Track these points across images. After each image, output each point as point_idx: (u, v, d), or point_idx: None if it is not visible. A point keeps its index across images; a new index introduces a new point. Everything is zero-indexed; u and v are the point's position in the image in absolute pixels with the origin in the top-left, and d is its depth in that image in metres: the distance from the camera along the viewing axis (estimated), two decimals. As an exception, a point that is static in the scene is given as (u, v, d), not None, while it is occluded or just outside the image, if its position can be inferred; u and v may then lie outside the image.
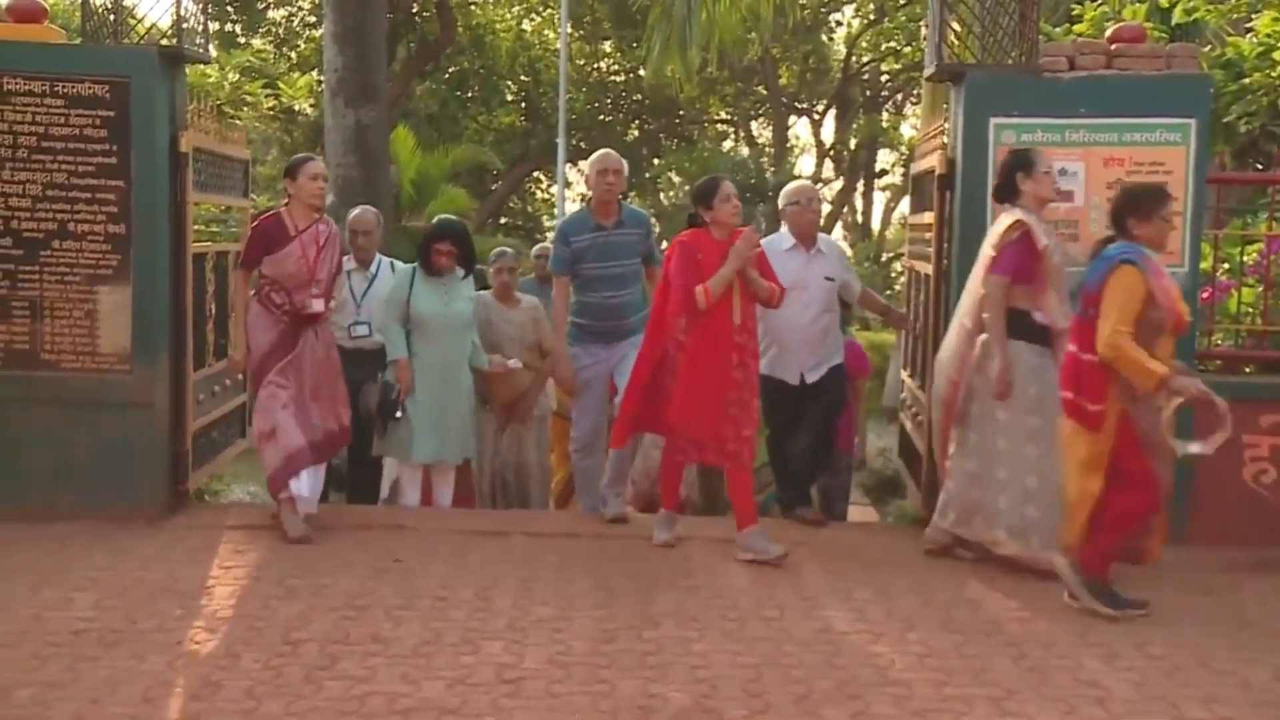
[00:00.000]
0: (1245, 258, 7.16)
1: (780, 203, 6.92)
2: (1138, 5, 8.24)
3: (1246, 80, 7.75)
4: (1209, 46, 8.46)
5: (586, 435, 6.87)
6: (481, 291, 7.27)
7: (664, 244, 10.03)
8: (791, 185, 7.12)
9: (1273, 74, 7.65)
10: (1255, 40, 8.01)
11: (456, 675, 4.39)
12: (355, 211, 7.72)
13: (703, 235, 6.02)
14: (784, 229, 6.88)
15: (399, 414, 6.67)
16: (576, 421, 6.89)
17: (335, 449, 6.53)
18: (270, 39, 25.25)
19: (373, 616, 4.98)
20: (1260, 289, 6.92)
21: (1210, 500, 6.15)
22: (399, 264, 7.37)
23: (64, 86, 6.28)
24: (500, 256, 7.50)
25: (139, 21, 6.63)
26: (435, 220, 7.09)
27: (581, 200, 26.62)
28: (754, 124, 32.25)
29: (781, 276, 6.17)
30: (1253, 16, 8.82)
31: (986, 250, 5.78)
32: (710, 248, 5.93)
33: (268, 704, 4.12)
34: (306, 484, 6.25)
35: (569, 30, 24.24)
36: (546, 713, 4.09)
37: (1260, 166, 8.31)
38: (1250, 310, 6.98)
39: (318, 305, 6.17)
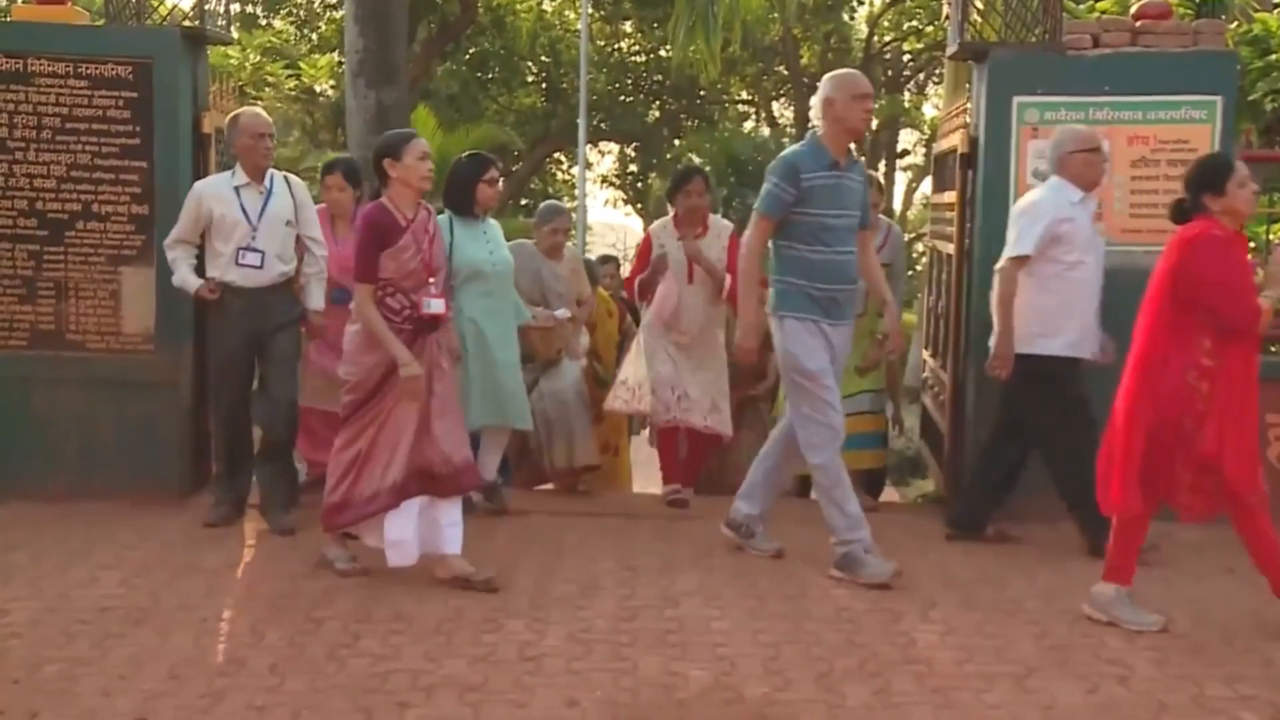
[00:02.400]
0: (1271, 236, 7.11)
1: (1058, 150, 5.71)
2: (1163, -18, 8.16)
3: (1273, 57, 7.68)
4: (1235, 23, 8.37)
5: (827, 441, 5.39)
6: (523, 241, 6.95)
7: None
8: (1074, 129, 5.84)
9: (1299, 50, 7.58)
10: (1282, 16, 7.93)
11: (478, 653, 4.42)
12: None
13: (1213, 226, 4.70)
14: (1059, 180, 5.72)
15: None
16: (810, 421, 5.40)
17: (459, 486, 5.21)
18: (291, 20, 25.26)
19: (395, 594, 5.01)
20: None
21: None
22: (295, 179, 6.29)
23: (87, 68, 6.31)
24: (556, 214, 6.98)
25: (161, 3, 6.64)
26: (466, 154, 6.40)
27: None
28: (775, 104, 32.09)
29: (1081, 237, 5.62)
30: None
31: None
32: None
33: (291, 681, 4.16)
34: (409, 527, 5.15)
35: (590, 11, 24.16)
36: (568, 690, 4.11)
37: (1286, 144, 8.24)
38: (1275, 289, 6.92)
39: (439, 305, 5.16)
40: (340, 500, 5.15)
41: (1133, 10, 6.64)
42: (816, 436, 5.34)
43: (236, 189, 5.83)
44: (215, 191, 5.83)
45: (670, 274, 6.60)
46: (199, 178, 6.51)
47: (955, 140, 6.74)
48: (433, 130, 17.79)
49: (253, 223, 5.81)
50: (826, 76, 5.54)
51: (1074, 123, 6.19)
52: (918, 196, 31.70)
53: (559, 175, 29.85)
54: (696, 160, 25.00)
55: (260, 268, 5.81)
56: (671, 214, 6.77)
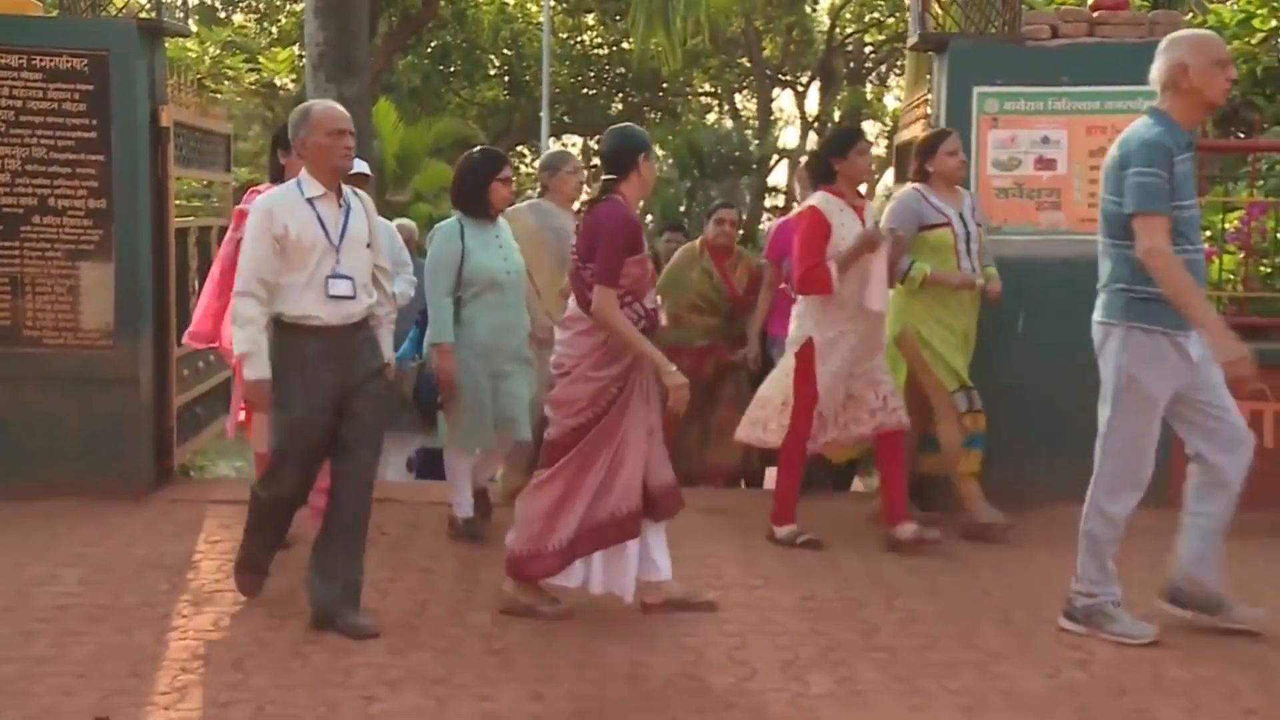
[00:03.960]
0: (1227, 225, 7.19)
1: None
2: (1120, -27, 8.23)
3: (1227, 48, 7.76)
4: (1190, 14, 8.46)
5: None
6: (534, 201, 6.31)
7: (649, 218, 9.99)
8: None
9: (1252, 42, 7.66)
10: (1235, 8, 8.02)
11: (443, 646, 4.41)
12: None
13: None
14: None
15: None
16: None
17: (672, 509, 4.77)
18: (251, 13, 25.08)
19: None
20: (1241, 255, 6.95)
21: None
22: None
23: (41, 60, 6.23)
24: (569, 157, 6.41)
25: (117, -6, 6.58)
26: (477, 150, 5.94)
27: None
28: (738, 96, 32.16)
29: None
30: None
31: None
32: None
33: (255, 677, 4.13)
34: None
35: (552, 3, 24.11)
36: (533, 683, 4.11)
37: (1241, 135, 8.33)
38: (1232, 277, 7.00)
39: (663, 315, 4.82)
40: (542, 551, 4.61)
41: (1090, 1, 6.69)
42: (1123, 481, 4.56)
43: (311, 201, 4.53)
44: (287, 205, 4.50)
45: (881, 254, 5.55)
46: (157, 172, 6.46)
47: (917, 131, 6.77)
48: (395, 123, 17.75)
49: (334, 243, 4.53)
50: (1174, 36, 4.59)
51: (1033, 113, 6.25)
52: (880, 187, 31.85)
53: (522, 169, 29.77)
54: (660, 152, 25.08)
55: (353, 297, 4.56)
56: (807, 183, 6.03)
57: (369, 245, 4.63)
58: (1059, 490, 6.09)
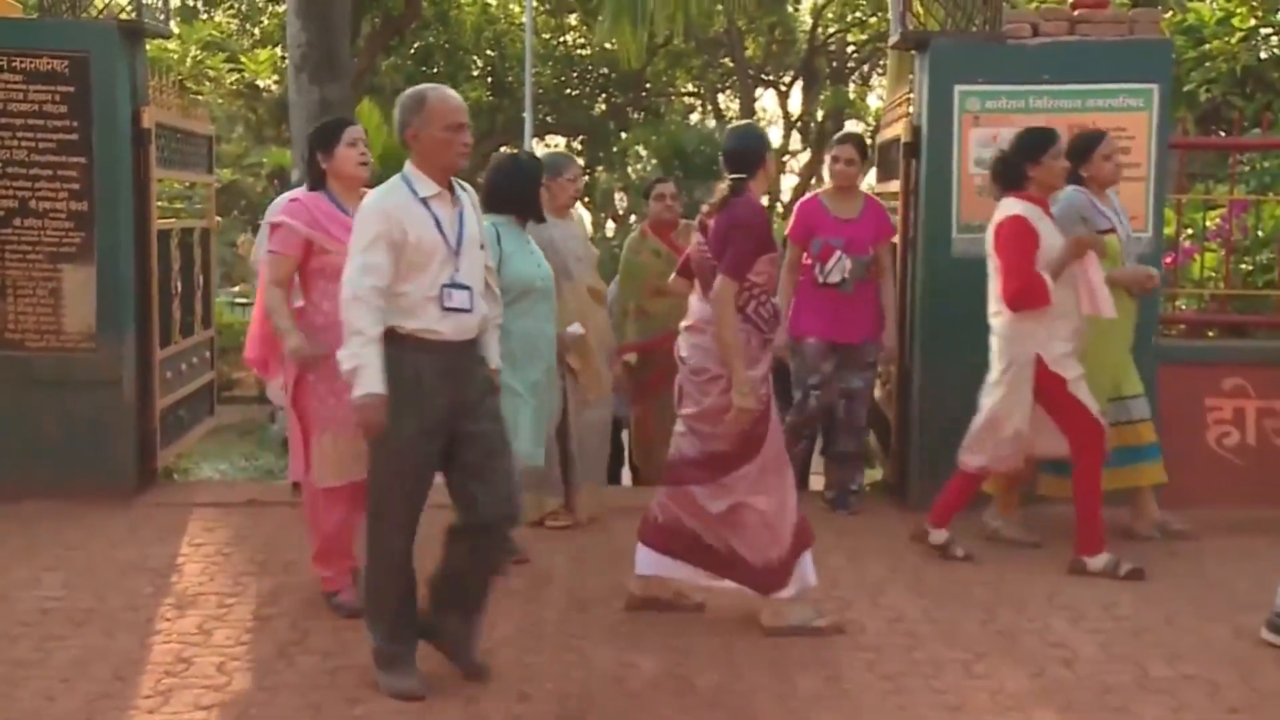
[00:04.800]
0: (1208, 223, 7.23)
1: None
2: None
3: (1207, 46, 7.80)
4: (1170, 13, 8.50)
5: None
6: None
7: (633, 219, 10.00)
8: None
9: (1232, 41, 7.69)
10: (1215, 7, 8.06)
11: (428, 649, 4.39)
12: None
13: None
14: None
15: None
16: None
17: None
18: (233, 14, 24.98)
19: (344, 591, 4.97)
20: (1222, 253, 6.99)
21: (1175, 463, 6.20)
22: None
23: (21, 61, 6.20)
24: (570, 162, 6.16)
25: (98, -5, 6.54)
26: (523, 153, 5.62)
27: None
28: (721, 96, 32.15)
29: None
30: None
31: None
32: None
33: (239, 680, 4.12)
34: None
35: (534, 4, 24.09)
36: (519, 682, 4.11)
37: (1222, 133, 8.37)
38: (1213, 275, 7.05)
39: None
40: (784, 558, 4.55)
41: (1071, 0, 6.72)
42: None
43: (425, 201, 4.02)
44: (403, 206, 3.98)
45: (1092, 258, 5.27)
46: (139, 174, 6.43)
47: (899, 130, 6.78)
48: (378, 125, 17.66)
49: (454, 247, 4.02)
50: None
51: (1014, 111, 6.27)
52: (863, 186, 31.89)
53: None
54: (642, 152, 25.07)
55: (470, 310, 4.06)
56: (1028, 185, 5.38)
57: (481, 246, 4.21)
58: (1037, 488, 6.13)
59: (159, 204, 6.75)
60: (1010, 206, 5.27)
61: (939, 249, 6.27)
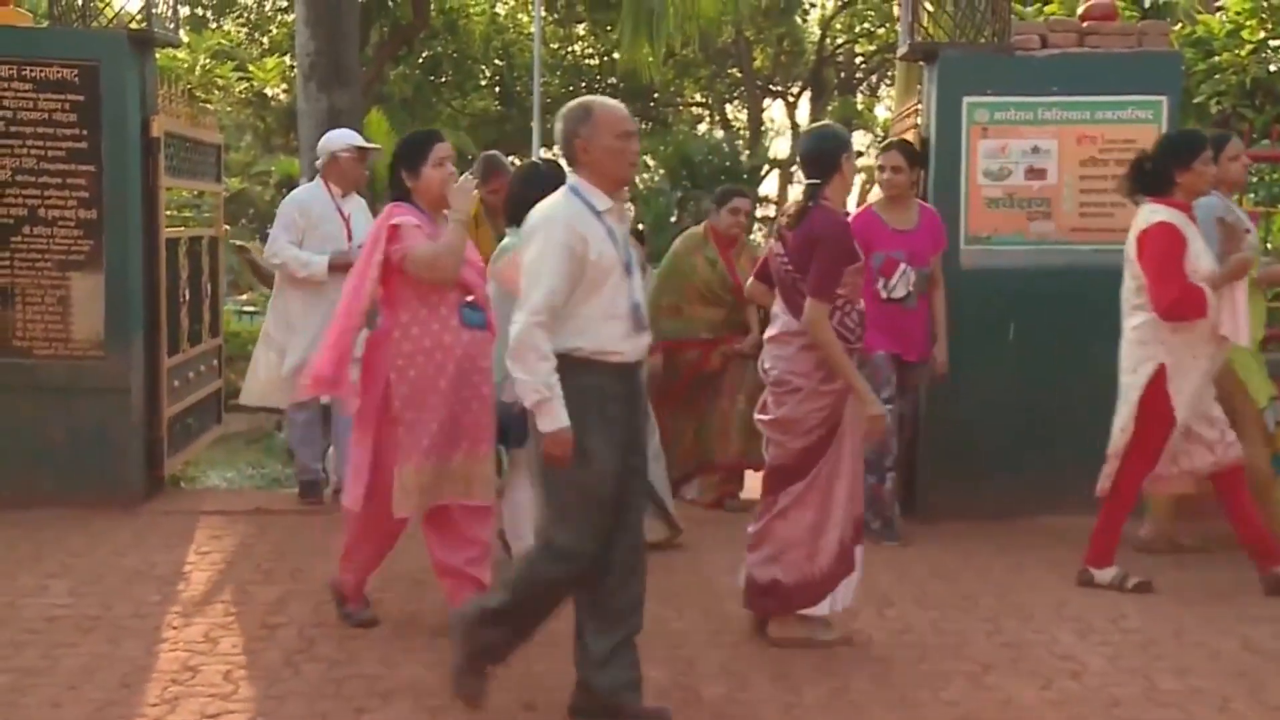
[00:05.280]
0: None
1: None
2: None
3: (1216, 59, 7.78)
4: (1179, 25, 8.48)
5: None
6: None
7: (639, 227, 10.01)
8: None
9: (1242, 53, 7.67)
10: (1225, 19, 8.04)
11: (435, 657, 4.39)
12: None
13: None
14: None
15: None
16: None
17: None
18: (242, 23, 25.08)
19: (351, 600, 4.97)
20: (1232, 265, 6.96)
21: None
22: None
23: (32, 70, 6.23)
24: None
25: (107, 4, 6.56)
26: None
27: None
28: (729, 107, 32.22)
29: None
30: (1224, -5, 8.86)
31: None
32: None
33: (245, 688, 4.12)
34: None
35: (543, 14, 24.15)
36: (526, 692, 4.10)
37: (1231, 144, 8.34)
38: (1222, 287, 7.01)
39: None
40: (820, 576, 4.47)
41: (1079, 12, 6.72)
42: None
43: (600, 215, 3.75)
44: (584, 219, 3.70)
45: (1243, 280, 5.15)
46: (147, 182, 6.45)
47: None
48: (386, 134, 17.71)
49: (628, 263, 3.81)
50: None
51: (1023, 123, 6.27)
52: (871, 196, 31.91)
53: (513, 179, 29.77)
54: (650, 162, 25.11)
55: (646, 328, 3.88)
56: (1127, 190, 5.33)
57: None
58: (1046, 500, 6.14)
59: (168, 212, 6.77)
60: (1155, 213, 5.05)
61: (947, 260, 6.26)
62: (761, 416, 4.62)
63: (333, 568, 5.27)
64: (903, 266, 5.88)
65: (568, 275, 3.62)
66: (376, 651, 4.43)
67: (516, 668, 4.29)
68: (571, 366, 3.64)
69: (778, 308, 4.56)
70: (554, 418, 3.58)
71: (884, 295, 5.86)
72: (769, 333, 4.61)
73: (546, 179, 5.07)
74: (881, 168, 6.15)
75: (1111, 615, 4.91)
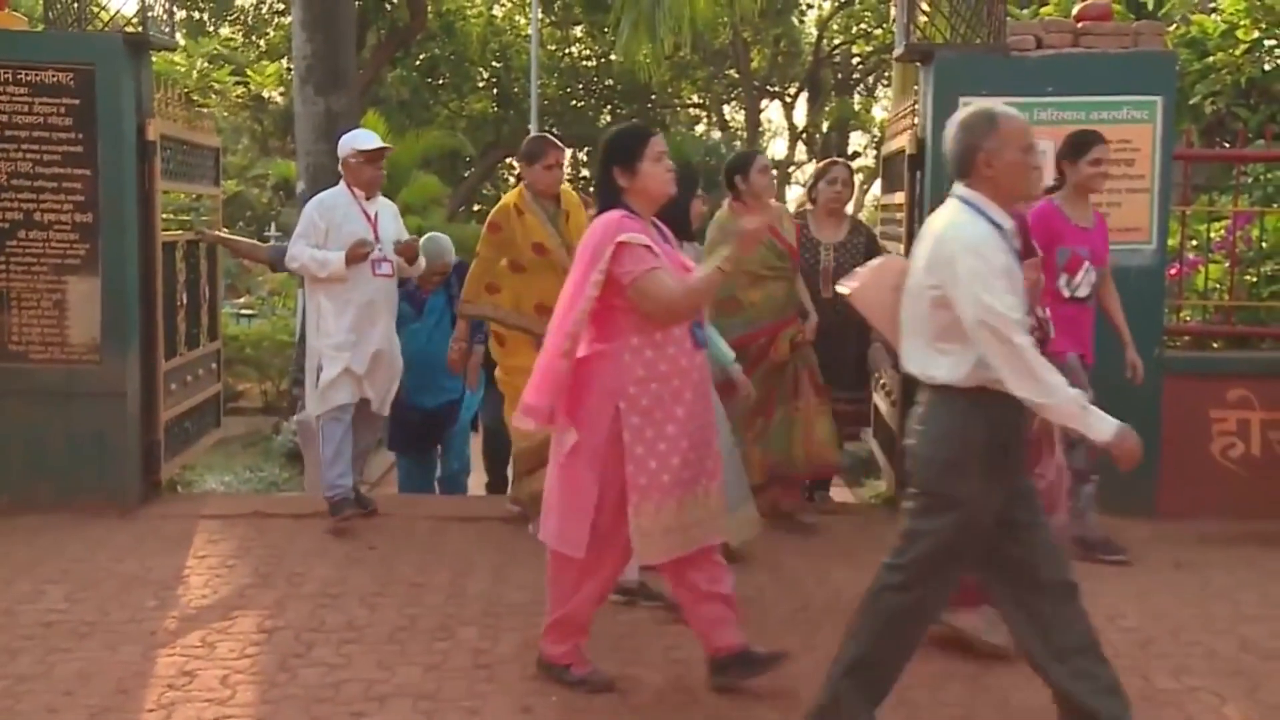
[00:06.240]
0: (1212, 234, 7.22)
1: None
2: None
3: (1211, 59, 7.80)
4: (1173, 25, 8.50)
5: None
6: None
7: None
8: None
9: (1236, 53, 7.69)
10: (1219, 19, 8.05)
11: (432, 661, 4.40)
12: None
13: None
14: None
15: None
16: None
17: None
18: (238, 26, 25.10)
19: (347, 604, 4.97)
20: (1227, 265, 6.98)
21: (1179, 475, 6.20)
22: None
23: (27, 74, 6.22)
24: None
25: (103, 8, 6.56)
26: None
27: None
28: (726, 108, 32.24)
29: None
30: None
31: None
32: None
33: (242, 692, 4.12)
34: None
35: (539, 16, 24.15)
36: (522, 696, 4.10)
37: (1227, 144, 8.36)
38: (1217, 286, 7.04)
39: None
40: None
41: (1074, 12, 6.72)
42: None
43: (1005, 233, 3.57)
44: (997, 241, 3.51)
45: None
46: (144, 186, 6.44)
47: (903, 141, 6.79)
48: (383, 136, 17.68)
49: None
50: None
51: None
52: (869, 198, 31.96)
53: (510, 180, 29.79)
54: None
55: None
56: None
57: None
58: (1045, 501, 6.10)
59: (165, 216, 6.76)
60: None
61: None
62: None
63: (331, 570, 5.29)
64: (1086, 264, 5.62)
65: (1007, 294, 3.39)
66: (373, 655, 4.43)
67: (514, 672, 4.30)
68: (984, 392, 3.46)
69: None
70: (1104, 418, 3.35)
71: (1068, 293, 5.59)
72: None
73: (695, 183, 4.74)
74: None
75: (1109, 614, 4.91)
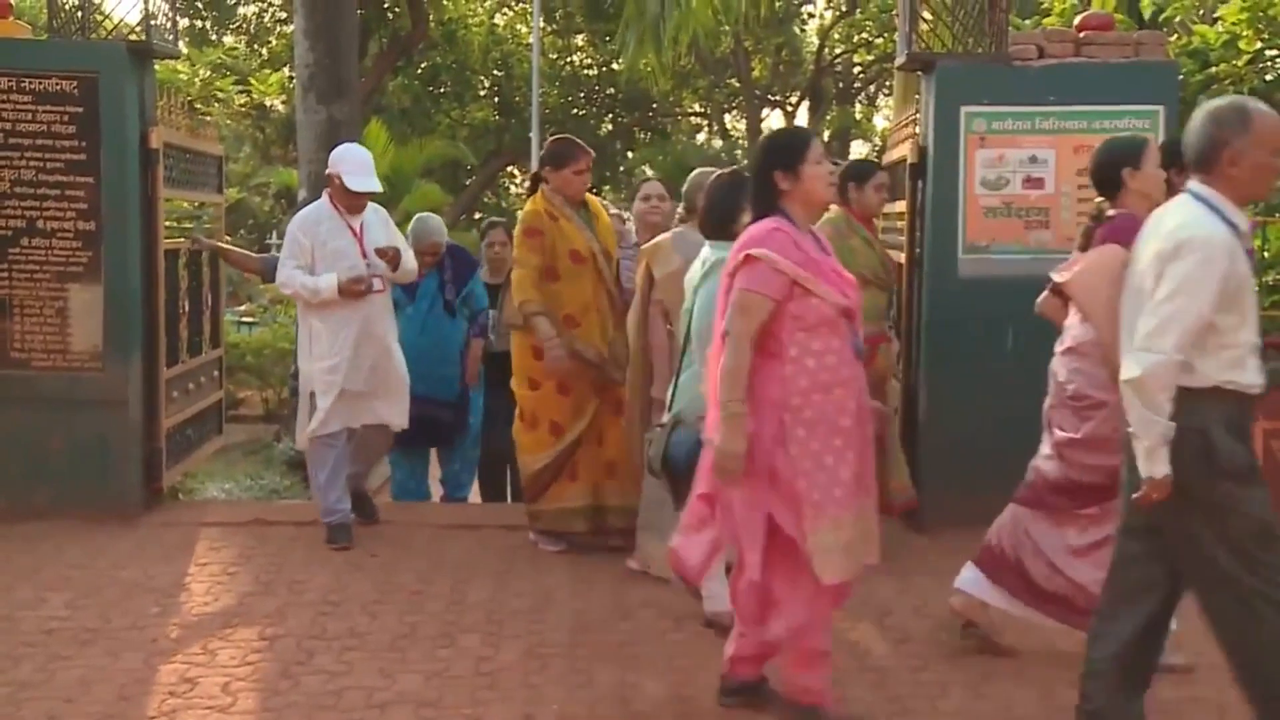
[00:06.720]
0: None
1: None
2: (1107, -2, 8.29)
3: (1213, 69, 7.81)
4: (1175, 35, 8.51)
5: None
6: (681, 230, 5.48)
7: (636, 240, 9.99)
8: None
9: (1239, 64, 7.70)
10: (1221, 29, 8.06)
11: (433, 668, 4.40)
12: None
13: None
14: None
15: None
16: None
17: None
18: (241, 35, 25.13)
19: (349, 611, 4.97)
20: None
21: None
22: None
23: (31, 82, 6.23)
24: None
25: (106, 17, 6.57)
26: (727, 173, 4.96)
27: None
28: (727, 116, 32.29)
29: None
30: (1219, 6, 8.89)
31: None
32: None
33: (244, 700, 4.12)
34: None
35: (541, 25, 24.19)
36: (524, 704, 4.10)
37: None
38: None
39: None
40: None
41: (1076, 22, 6.73)
42: None
43: (1241, 235, 3.47)
44: (1234, 244, 3.40)
45: None
46: (146, 194, 6.45)
47: (905, 150, 6.79)
48: (385, 145, 17.74)
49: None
50: None
51: (1020, 133, 6.27)
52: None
53: (512, 189, 29.83)
54: (649, 172, 25.11)
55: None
56: None
57: None
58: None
59: (167, 223, 6.77)
60: None
61: (945, 270, 6.27)
62: (1058, 435, 4.34)
63: (333, 577, 5.29)
64: None
65: (1212, 308, 3.29)
66: (375, 663, 4.43)
67: (515, 679, 4.30)
68: (1223, 398, 3.37)
69: (1075, 318, 4.30)
70: (1164, 459, 3.32)
71: None
72: (1063, 344, 4.32)
73: (746, 188, 4.54)
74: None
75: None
